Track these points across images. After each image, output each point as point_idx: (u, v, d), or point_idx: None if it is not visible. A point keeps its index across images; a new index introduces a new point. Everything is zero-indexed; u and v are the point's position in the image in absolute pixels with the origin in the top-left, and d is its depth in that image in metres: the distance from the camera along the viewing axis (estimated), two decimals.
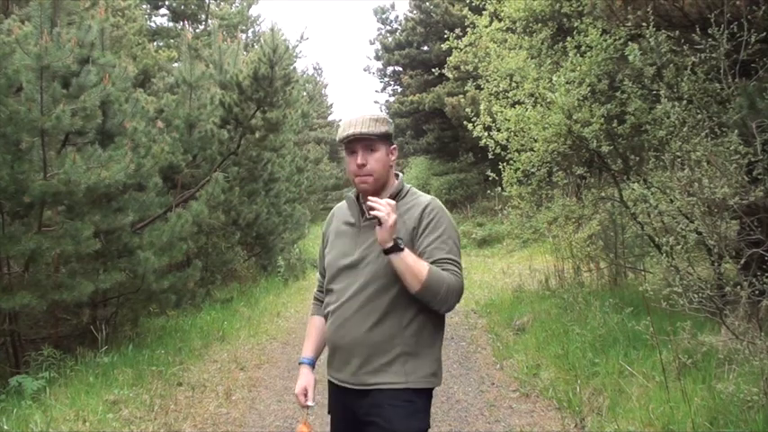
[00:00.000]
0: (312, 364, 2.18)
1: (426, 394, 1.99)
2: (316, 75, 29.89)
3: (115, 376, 4.85)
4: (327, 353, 2.11)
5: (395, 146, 2.07)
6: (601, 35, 5.70)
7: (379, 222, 1.85)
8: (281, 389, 5.10)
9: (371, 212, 1.87)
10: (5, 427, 3.75)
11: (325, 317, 2.11)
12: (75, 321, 5.92)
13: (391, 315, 1.93)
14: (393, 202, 1.88)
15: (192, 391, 4.86)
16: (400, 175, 2.09)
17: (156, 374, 5.05)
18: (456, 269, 1.92)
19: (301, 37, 25.05)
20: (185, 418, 4.29)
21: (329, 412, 2.15)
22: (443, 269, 1.90)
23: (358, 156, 1.97)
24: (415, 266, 1.86)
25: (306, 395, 2.11)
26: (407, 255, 1.87)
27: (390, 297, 1.93)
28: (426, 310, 1.94)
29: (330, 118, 31.97)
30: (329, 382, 2.11)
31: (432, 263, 1.90)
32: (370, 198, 1.89)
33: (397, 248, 1.86)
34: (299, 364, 2.19)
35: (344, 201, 2.17)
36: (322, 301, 2.20)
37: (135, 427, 4.03)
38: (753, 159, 3.71)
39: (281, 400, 4.79)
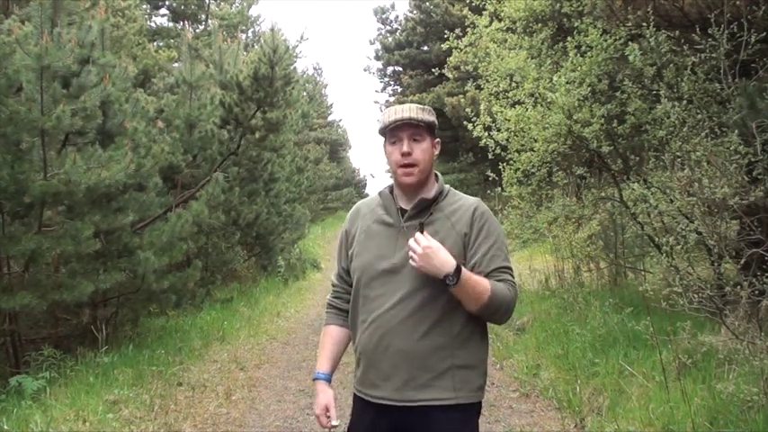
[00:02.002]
0: (329, 380, 1.99)
1: (476, 409, 1.87)
2: (316, 75, 29.85)
3: (115, 376, 4.84)
4: (357, 366, 1.94)
5: (438, 140, 1.95)
6: (601, 35, 5.69)
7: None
8: (281, 389, 5.10)
9: (410, 251, 1.75)
10: (5, 427, 3.74)
11: (353, 326, 1.94)
12: (75, 321, 5.92)
13: (441, 324, 1.80)
14: (427, 243, 1.73)
15: (192, 391, 4.86)
16: (439, 175, 1.97)
17: (156, 374, 5.04)
18: (512, 278, 1.84)
19: (301, 37, 25.14)
20: (185, 418, 4.29)
21: None
22: (500, 279, 1.81)
23: (403, 144, 1.85)
24: (473, 293, 1.75)
25: (328, 414, 1.93)
26: (464, 282, 1.72)
27: (441, 305, 1.79)
28: (475, 318, 1.82)
29: (330, 118, 32.02)
30: (357, 398, 1.92)
31: (488, 272, 1.81)
32: (417, 236, 1.74)
33: (449, 284, 1.72)
34: (315, 380, 2.00)
35: (374, 197, 2.01)
36: (340, 309, 2.03)
37: (135, 427, 4.03)
38: (753, 159, 3.72)
39: (281, 400, 4.79)
